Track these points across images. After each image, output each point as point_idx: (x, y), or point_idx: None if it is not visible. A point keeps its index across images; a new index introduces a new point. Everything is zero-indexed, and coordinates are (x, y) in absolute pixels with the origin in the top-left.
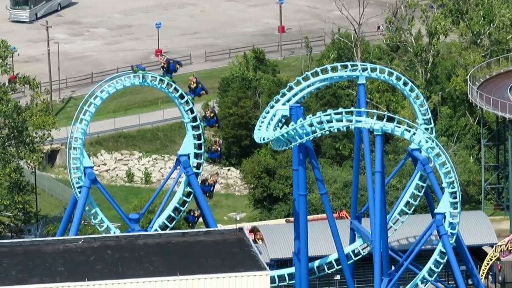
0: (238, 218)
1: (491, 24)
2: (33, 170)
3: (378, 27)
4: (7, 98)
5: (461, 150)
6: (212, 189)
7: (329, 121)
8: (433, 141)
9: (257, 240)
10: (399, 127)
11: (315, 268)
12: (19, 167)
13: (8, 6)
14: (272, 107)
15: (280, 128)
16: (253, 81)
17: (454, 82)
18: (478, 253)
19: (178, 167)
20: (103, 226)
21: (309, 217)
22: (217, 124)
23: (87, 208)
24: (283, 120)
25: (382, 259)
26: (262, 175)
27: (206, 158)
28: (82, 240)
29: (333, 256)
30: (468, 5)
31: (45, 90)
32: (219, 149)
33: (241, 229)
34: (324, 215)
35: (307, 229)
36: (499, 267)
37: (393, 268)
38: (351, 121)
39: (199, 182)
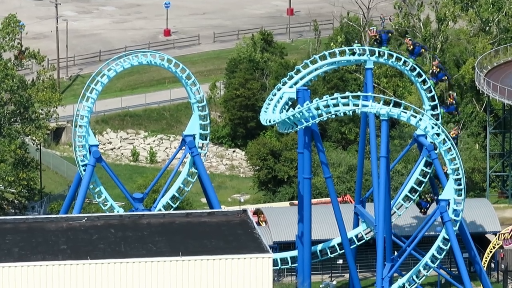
0: (242, 200)
1: (500, 12)
2: (38, 147)
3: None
4: (12, 73)
5: (467, 137)
6: (428, 206)
7: (335, 105)
8: (439, 127)
9: (260, 222)
10: (406, 112)
11: (318, 252)
12: (24, 144)
13: None
14: (279, 89)
15: (287, 111)
16: (261, 63)
17: (464, 69)
18: (481, 240)
19: (184, 147)
20: (107, 204)
21: (313, 200)
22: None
23: (91, 186)
24: (290, 103)
25: (385, 244)
26: (267, 157)
27: (442, 113)
28: (86, 219)
29: (336, 240)
30: None
31: (51, 66)
32: (454, 102)
33: (244, 211)
34: (328, 199)
35: (311, 212)
36: (502, 255)
37: (395, 253)
38: (357, 105)
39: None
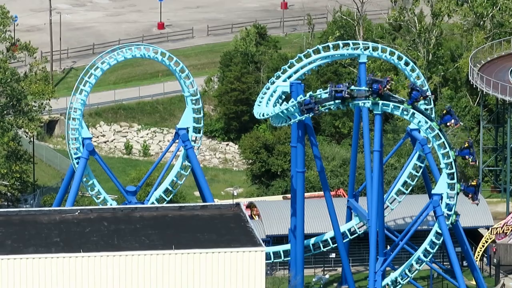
0: (235, 193)
1: (494, 7)
2: (31, 139)
3: None
4: (5, 66)
5: (460, 132)
6: (476, 190)
7: None
8: (432, 122)
9: (253, 216)
10: (399, 106)
11: (311, 245)
12: (17, 136)
13: None
14: (272, 83)
15: (280, 105)
16: (256, 56)
17: (461, 63)
18: (474, 235)
19: (177, 141)
20: (100, 197)
21: (306, 194)
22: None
23: (84, 179)
24: (283, 97)
25: (378, 238)
26: (260, 150)
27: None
28: (79, 211)
29: (329, 234)
30: None
31: (43, 58)
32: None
33: (237, 204)
34: (321, 193)
35: (304, 206)
36: (494, 250)
37: (388, 247)
38: None
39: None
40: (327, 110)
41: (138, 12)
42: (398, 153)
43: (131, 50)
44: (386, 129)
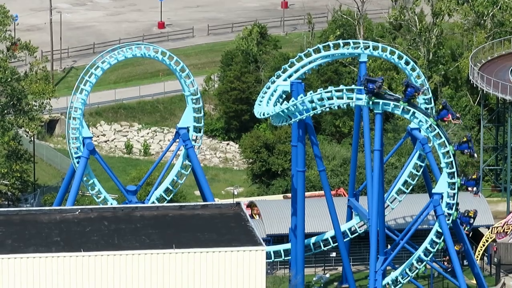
0: (236, 193)
1: (495, 6)
2: (32, 138)
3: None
4: (5, 65)
5: (461, 131)
6: (471, 222)
7: (329, 98)
8: (429, 118)
9: (254, 215)
10: (400, 105)
11: (311, 244)
12: (18, 136)
13: None
14: (273, 82)
15: (281, 104)
16: (258, 55)
17: (461, 62)
18: (474, 234)
19: (177, 140)
20: (100, 197)
21: (306, 193)
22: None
23: (85, 178)
24: (284, 96)
25: (379, 237)
26: (261, 150)
27: (460, 185)
28: (79, 211)
29: (330, 233)
30: None
31: (44, 58)
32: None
33: (238, 203)
34: (322, 192)
35: (304, 205)
36: (495, 249)
37: (389, 247)
38: (351, 98)
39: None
40: (327, 109)
41: (139, 12)
42: (399, 152)
43: (132, 49)
44: (387, 128)
